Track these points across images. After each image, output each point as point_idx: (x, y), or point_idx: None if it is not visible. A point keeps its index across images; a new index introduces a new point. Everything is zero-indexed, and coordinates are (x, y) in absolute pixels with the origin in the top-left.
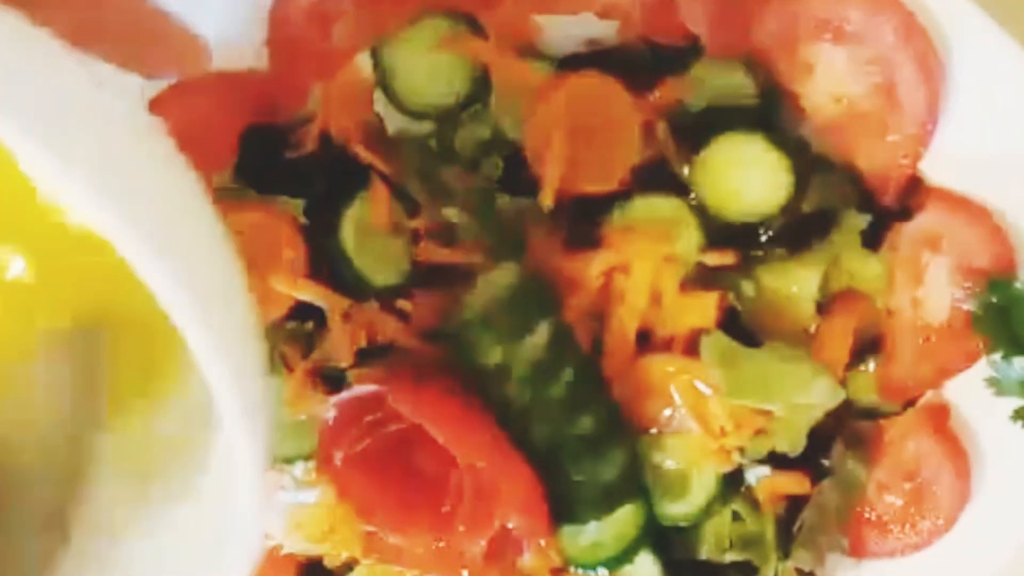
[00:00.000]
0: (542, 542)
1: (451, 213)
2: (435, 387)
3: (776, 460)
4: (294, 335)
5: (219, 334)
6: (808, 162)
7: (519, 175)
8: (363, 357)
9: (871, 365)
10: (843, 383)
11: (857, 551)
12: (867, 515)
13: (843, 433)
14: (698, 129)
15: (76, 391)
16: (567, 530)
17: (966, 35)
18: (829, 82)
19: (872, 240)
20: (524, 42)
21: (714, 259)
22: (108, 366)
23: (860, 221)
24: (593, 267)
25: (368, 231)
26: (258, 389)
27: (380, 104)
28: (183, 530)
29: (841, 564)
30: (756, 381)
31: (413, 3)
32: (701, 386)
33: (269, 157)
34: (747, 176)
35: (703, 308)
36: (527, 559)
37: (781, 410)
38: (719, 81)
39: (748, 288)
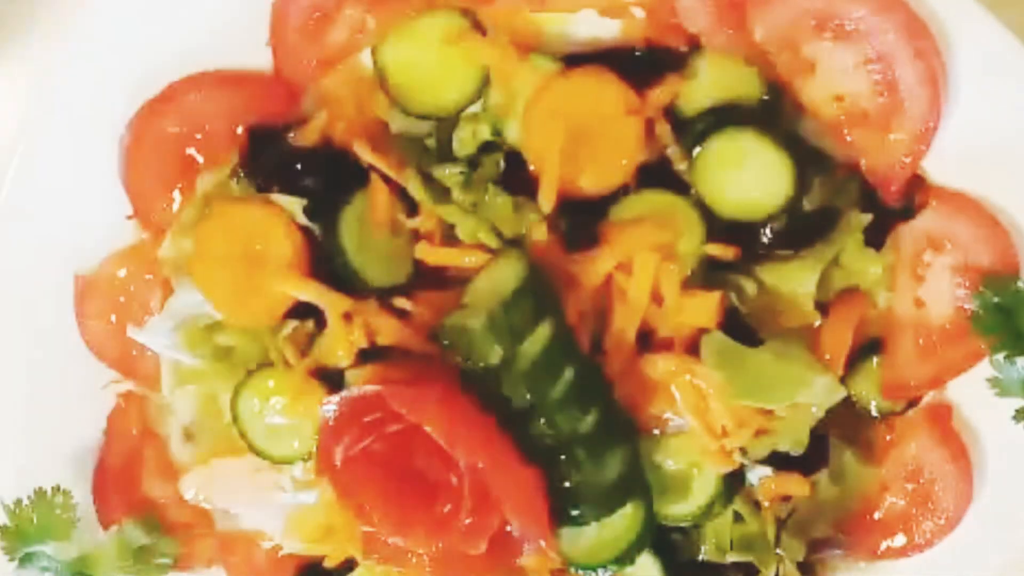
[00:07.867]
0: (542, 543)
1: (451, 213)
2: (435, 387)
3: (778, 460)
4: (294, 335)
5: None
6: (809, 160)
7: (519, 174)
8: (363, 357)
9: (873, 364)
10: (844, 382)
11: (860, 551)
12: (869, 516)
13: (844, 432)
14: (699, 127)
15: None
16: (567, 531)
17: (969, 33)
18: (831, 80)
19: (875, 239)
20: (524, 40)
21: (716, 250)
22: None
23: (862, 220)
24: (597, 265)
25: (368, 231)
26: None
27: (380, 103)
28: None
29: (844, 565)
30: (757, 380)
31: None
32: (702, 386)
33: (270, 156)
34: (747, 174)
35: (704, 308)
36: (527, 560)
37: (782, 409)
38: (720, 79)
39: (749, 287)
